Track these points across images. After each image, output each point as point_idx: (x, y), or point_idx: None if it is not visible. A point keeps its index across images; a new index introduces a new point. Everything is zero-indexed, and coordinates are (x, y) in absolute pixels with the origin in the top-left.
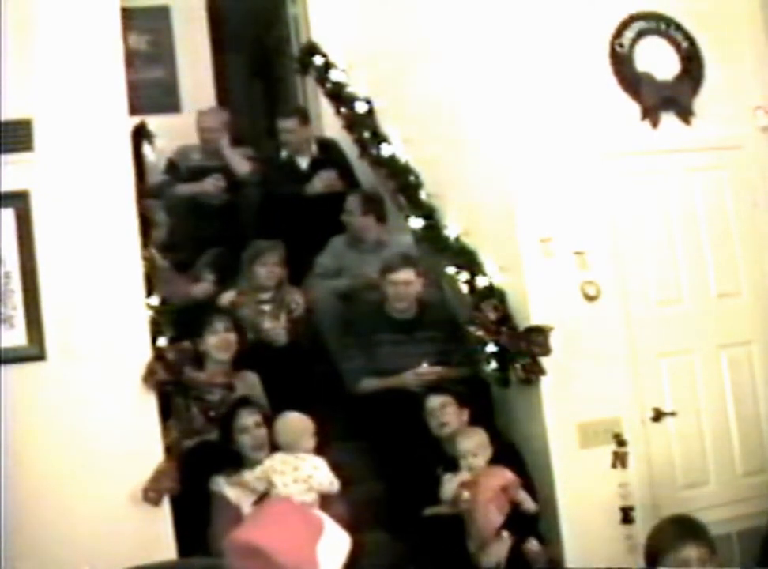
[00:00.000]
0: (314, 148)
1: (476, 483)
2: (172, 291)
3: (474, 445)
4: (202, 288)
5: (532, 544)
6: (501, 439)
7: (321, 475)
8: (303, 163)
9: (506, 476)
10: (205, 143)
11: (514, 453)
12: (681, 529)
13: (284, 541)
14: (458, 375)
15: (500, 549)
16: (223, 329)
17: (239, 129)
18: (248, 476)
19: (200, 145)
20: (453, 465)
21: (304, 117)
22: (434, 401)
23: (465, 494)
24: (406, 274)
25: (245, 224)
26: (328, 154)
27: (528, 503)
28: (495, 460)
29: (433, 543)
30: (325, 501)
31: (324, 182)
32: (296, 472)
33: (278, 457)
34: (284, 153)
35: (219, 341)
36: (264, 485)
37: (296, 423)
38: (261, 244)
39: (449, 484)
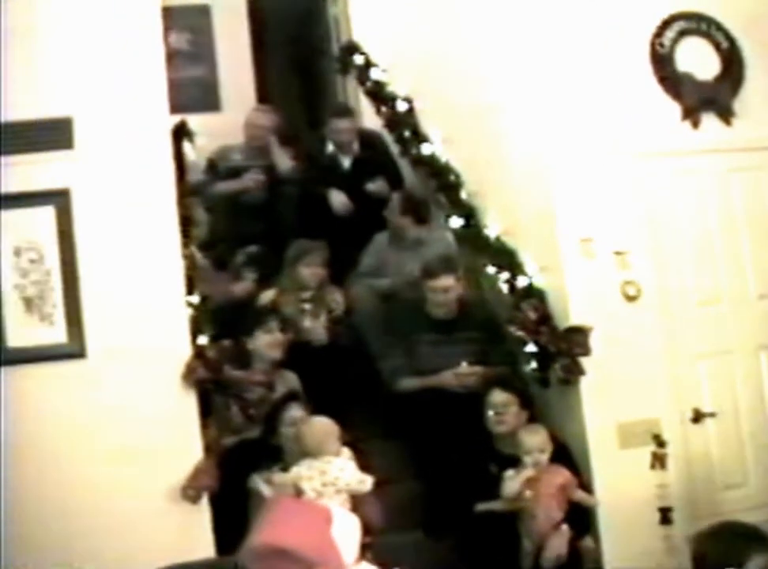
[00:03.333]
0: (356, 145)
1: (539, 480)
2: (212, 289)
3: (541, 441)
4: (243, 286)
5: (588, 542)
6: (555, 439)
7: (347, 476)
8: (346, 162)
9: (565, 474)
10: (251, 140)
11: (567, 453)
12: (748, 538)
13: (304, 537)
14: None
15: (560, 542)
16: (276, 329)
17: (280, 128)
18: (276, 478)
19: (244, 142)
20: (506, 463)
21: (354, 116)
22: (498, 397)
23: (528, 492)
24: (446, 281)
25: (285, 223)
26: (371, 151)
27: (590, 500)
28: (552, 459)
29: (482, 541)
30: (358, 500)
31: (375, 189)
32: (324, 476)
33: (305, 463)
34: (329, 150)
35: (272, 340)
36: (290, 490)
37: (322, 427)
38: (306, 244)
39: (512, 482)
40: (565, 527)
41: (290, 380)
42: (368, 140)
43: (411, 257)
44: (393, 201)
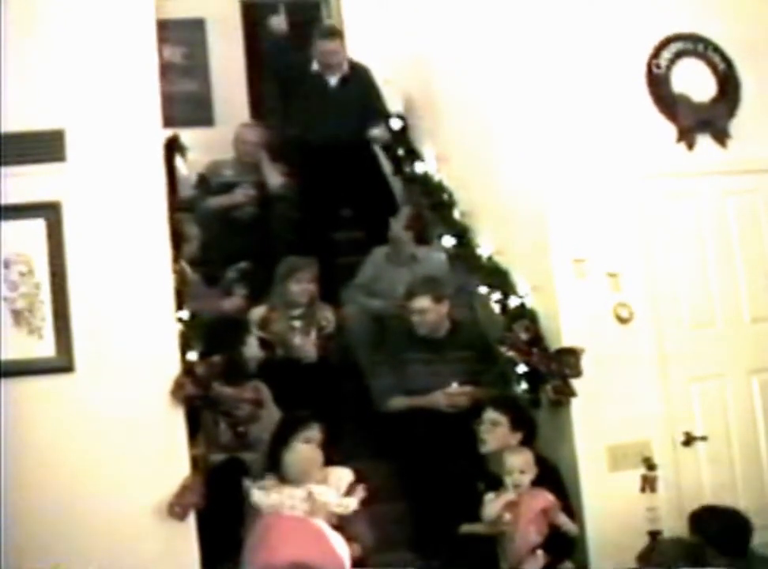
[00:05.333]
0: (344, 67)
1: (518, 504)
2: (202, 305)
3: (522, 462)
4: (233, 302)
5: (567, 566)
6: (545, 462)
7: (332, 499)
8: (333, 79)
9: (547, 498)
10: (242, 156)
11: (556, 476)
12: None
13: (318, 551)
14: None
15: (533, 567)
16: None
17: (272, 143)
18: (257, 497)
19: (234, 158)
20: (494, 482)
21: (341, 38)
22: (488, 415)
23: (507, 516)
24: (421, 302)
25: (276, 239)
26: (357, 75)
27: (570, 526)
28: (538, 482)
29: (465, 561)
30: (347, 520)
31: (377, 135)
32: (308, 503)
33: (286, 491)
34: (313, 68)
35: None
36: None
37: (305, 454)
38: (296, 261)
39: (492, 505)
40: (540, 553)
41: (263, 391)
42: (357, 67)
43: (405, 273)
44: (399, 213)
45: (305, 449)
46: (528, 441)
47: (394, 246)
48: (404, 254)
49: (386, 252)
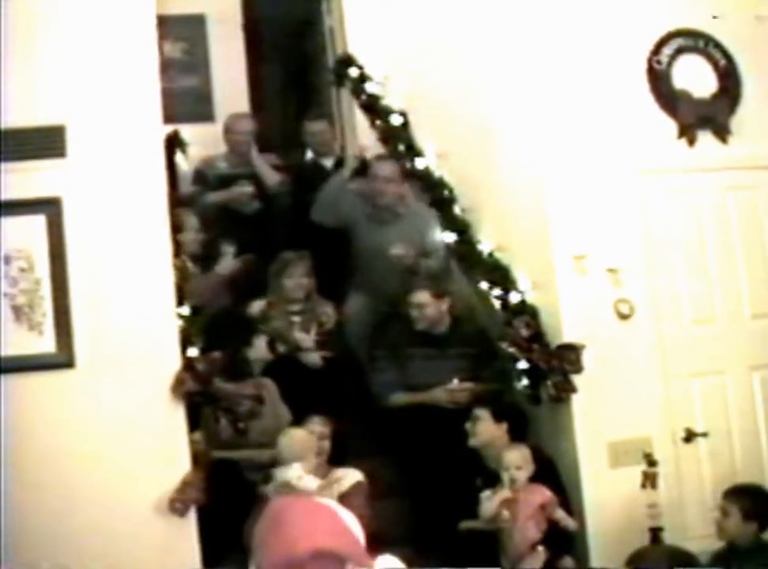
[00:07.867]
0: (336, 147)
1: (516, 500)
2: (202, 298)
3: (519, 458)
4: (225, 265)
5: (567, 562)
6: (540, 456)
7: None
8: (328, 163)
9: (545, 493)
10: (234, 146)
11: (553, 470)
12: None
13: (338, 536)
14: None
15: (534, 563)
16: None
17: (272, 138)
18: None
19: (228, 150)
20: (491, 479)
21: (330, 120)
22: (474, 412)
23: (506, 513)
24: (420, 297)
25: (276, 233)
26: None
27: (568, 521)
28: (535, 477)
29: (466, 557)
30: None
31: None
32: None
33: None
34: (308, 156)
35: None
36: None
37: (300, 439)
38: (288, 256)
39: (489, 502)
40: (541, 549)
41: (269, 388)
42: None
43: (394, 232)
44: (384, 169)
45: (299, 433)
46: (519, 433)
47: (381, 202)
48: (390, 210)
49: (366, 211)
